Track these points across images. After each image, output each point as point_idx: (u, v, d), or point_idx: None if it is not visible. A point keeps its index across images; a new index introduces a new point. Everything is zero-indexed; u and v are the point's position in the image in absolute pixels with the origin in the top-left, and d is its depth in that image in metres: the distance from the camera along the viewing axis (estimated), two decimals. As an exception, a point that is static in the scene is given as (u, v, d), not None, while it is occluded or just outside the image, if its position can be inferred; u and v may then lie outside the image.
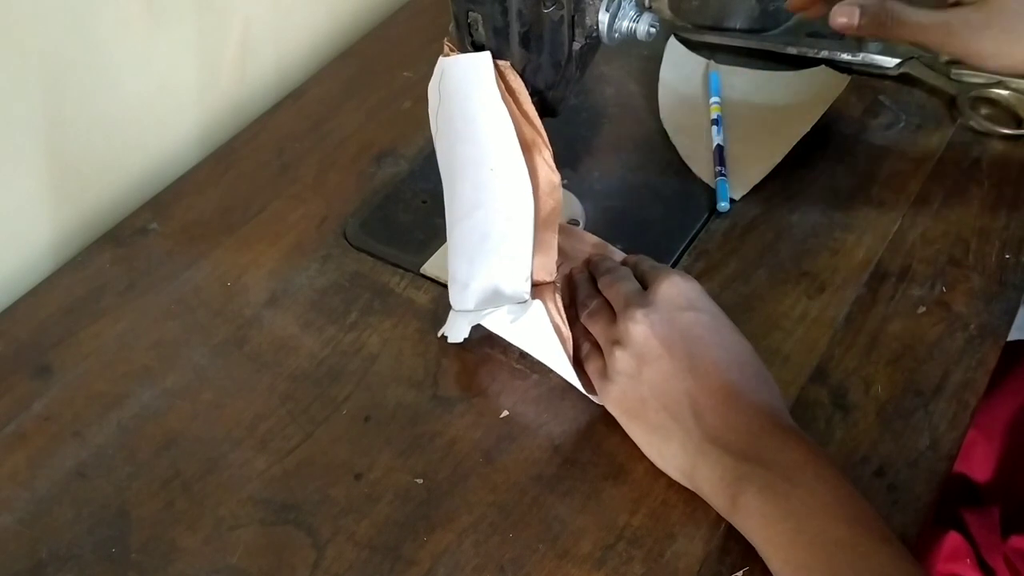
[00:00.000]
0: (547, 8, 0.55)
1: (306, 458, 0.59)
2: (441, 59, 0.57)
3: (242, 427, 0.60)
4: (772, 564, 0.50)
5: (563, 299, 0.59)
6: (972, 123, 0.76)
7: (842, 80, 0.80)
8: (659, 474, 0.56)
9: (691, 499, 0.55)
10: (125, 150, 0.79)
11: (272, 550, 0.55)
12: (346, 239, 0.71)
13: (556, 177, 0.56)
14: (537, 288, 0.58)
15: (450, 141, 0.59)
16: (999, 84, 0.78)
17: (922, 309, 0.64)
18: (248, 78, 0.86)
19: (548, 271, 0.58)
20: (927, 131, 0.77)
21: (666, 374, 0.54)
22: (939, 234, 0.69)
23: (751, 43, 0.85)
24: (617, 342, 0.56)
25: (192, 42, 0.80)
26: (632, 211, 0.72)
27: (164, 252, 0.72)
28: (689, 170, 0.75)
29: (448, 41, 0.58)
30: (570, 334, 0.58)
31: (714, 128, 0.76)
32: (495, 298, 0.59)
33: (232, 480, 0.58)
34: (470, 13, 0.55)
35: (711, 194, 0.73)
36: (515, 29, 0.55)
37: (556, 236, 0.58)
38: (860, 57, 0.81)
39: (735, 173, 0.73)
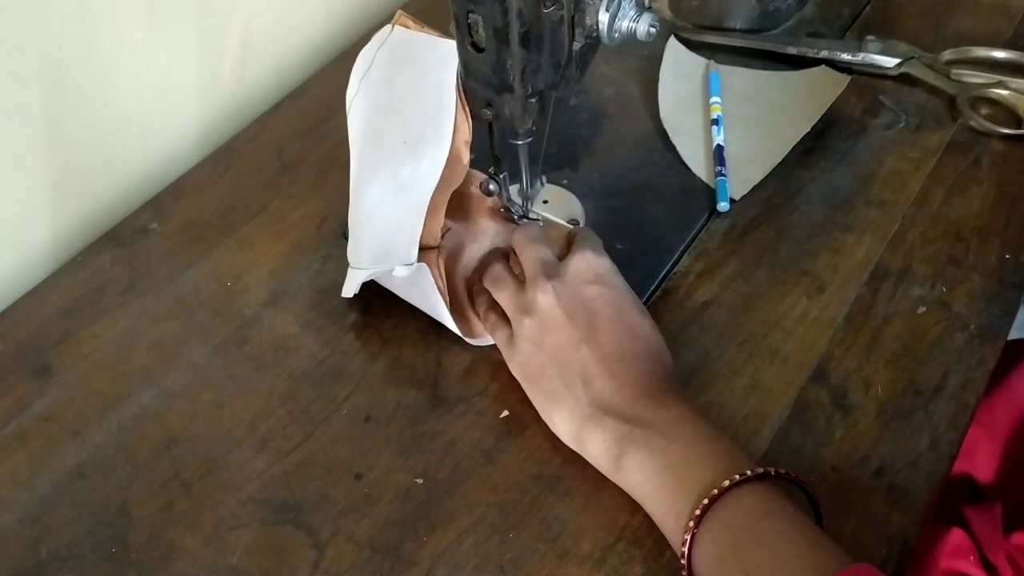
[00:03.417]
0: (547, 8, 0.55)
1: (306, 458, 0.59)
2: (403, 30, 0.62)
3: (242, 427, 0.60)
4: (655, 516, 0.52)
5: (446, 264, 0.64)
6: (972, 123, 0.76)
7: (842, 80, 0.80)
8: (659, 474, 0.56)
9: (691, 499, 0.54)
10: (125, 150, 0.79)
11: (272, 550, 0.55)
12: (346, 239, 0.71)
13: (467, 158, 0.61)
14: (423, 251, 0.61)
15: (370, 107, 0.63)
16: (999, 84, 0.78)
17: (922, 309, 0.64)
18: (248, 78, 0.87)
19: (434, 237, 0.61)
20: (927, 131, 0.77)
21: (564, 343, 0.57)
22: (939, 234, 0.69)
23: (751, 43, 0.85)
24: (526, 311, 0.58)
25: (192, 42, 0.80)
26: (632, 211, 0.72)
27: (164, 252, 0.72)
28: (689, 170, 0.75)
29: (404, 12, 0.62)
30: (446, 289, 0.62)
31: (714, 128, 0.76)
32: (386, 258, 0.62)
33: (232, 480, 0.58)
34: (470, 14, 0.55)
35: (711, 194, 0.73)
36: (515, 29, 0.55)
37: (445, 206, 0.61)
38: (860, 57, 0.81)
39: (735, 173, 0.73)
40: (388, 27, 0.62)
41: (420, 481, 0.57)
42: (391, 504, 0.56)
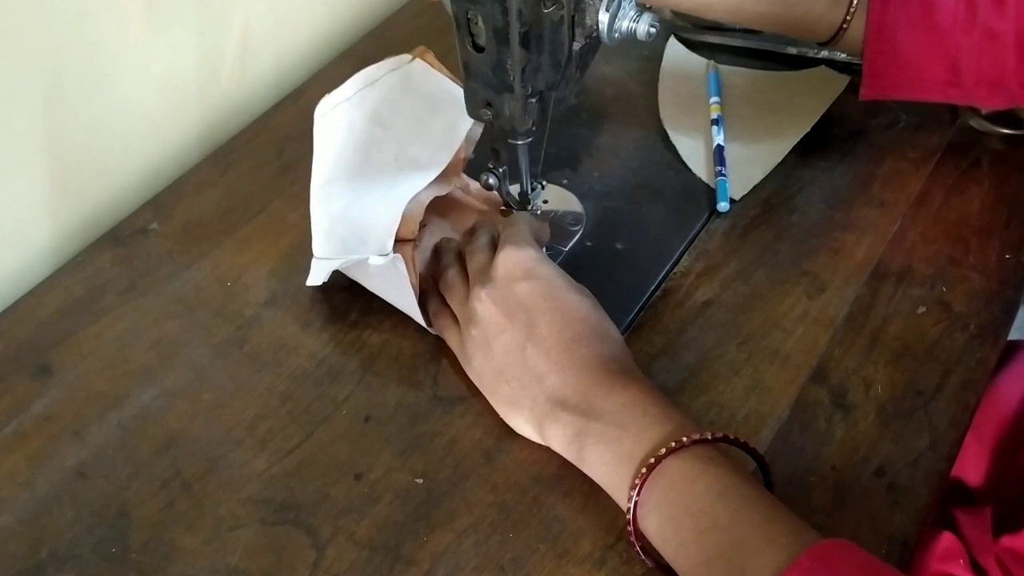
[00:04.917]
0: (547, 8, 0.55)
1: (306, 458, 0.59)
2: (423, 64, 0.65)
3: (242, 427, 0.60)
4: (622, 504, 0.52)
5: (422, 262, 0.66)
6: (972, 123, 0.76)
7: (842, 80, 0.80)
8: (659, 474, 0.56)
9: (691, 499, 0.54)
10: (125, 150, 0.79)
11: (272, 550, 0.55)
12: (346, 239, 0.71)
13: (455, 182, 0.65)
14: (399, 244, 0.62)
15: (363, 117, 0.66)
16: (999, 84, 0.78)
17: (922, 309, 0.64)
18: (248, 78, 0.87)
19: (411, 231, 0.62)
20: (927, 131, 0.77)
21: (510, 346, 0.57)
22: (939, 234, 0.69)
23: (751, 43, 0.85)
24: (470, 321, 0.59)
25: (192, 42, 0.80)
26: (632, 211, 0.72)
27: (164, 252, 0.72)
28: (689, 170, 0.75)
29: (426, 48, 0.65)
30: (418, 283, 0.62)
31: (714, 128, 0.76)
32: (361, 247, 0.62)
33: (232, 480, 0.58)
34: (470, 13, 0.55)
35: (711, 194, 0.73)
36: (515, 29, 0.55)
37: (426, 205, 0.62)
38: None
39: (735, 173, 0.73)
40: (407, 56, 0.65)
41: (420, 481, 0.57)
42: (391, 504, 0.56)
